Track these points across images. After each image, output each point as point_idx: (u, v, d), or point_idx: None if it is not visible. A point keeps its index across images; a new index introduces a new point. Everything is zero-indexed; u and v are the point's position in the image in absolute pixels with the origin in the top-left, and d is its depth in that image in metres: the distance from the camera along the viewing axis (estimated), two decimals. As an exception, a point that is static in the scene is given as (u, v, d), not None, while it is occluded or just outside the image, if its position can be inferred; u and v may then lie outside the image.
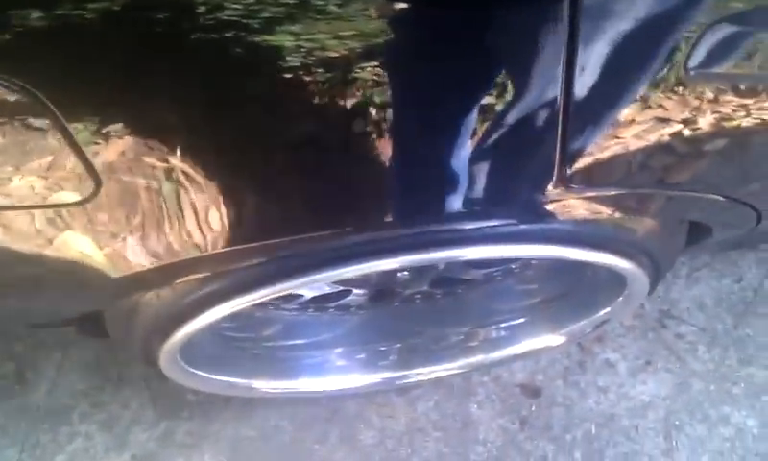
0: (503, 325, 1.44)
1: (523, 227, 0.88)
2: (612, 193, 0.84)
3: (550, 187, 0.81)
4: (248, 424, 1.57)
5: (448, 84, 0.73)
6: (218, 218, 0.79)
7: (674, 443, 1.49)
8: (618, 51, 0.71)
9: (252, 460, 1.53)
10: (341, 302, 1.41)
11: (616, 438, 1.50)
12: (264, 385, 1.38)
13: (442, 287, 1.42)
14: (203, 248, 0.81)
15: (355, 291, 1.42)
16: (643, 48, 0.72)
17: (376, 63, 0.69)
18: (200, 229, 0.80)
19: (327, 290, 1.35)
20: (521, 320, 1.42)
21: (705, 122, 0.80)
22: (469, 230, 0.85)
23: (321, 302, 1.43)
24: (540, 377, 1.58)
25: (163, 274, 0.85)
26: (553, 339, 1.39)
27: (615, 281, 1.15)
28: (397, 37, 0.68)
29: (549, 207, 0.83)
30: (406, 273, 1.29)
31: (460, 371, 1.49)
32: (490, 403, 1.56)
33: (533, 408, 1.55)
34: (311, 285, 0.96)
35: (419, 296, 1.50)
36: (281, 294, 0.91)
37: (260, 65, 0.68)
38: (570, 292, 1.35)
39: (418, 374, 1.52)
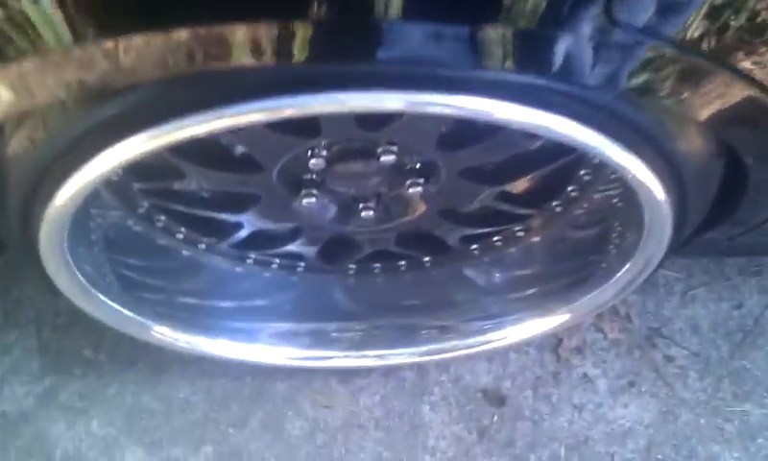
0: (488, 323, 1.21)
1: (547, 83, 0.66)
2: (667, 54, 0.64)
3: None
4: (151, 393, 1.29)
5: None
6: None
7: (654, 480, 1.27)
8: None
9: (149, 437, 1.25)
10: (287, 249, 1.17)
11: (588, 466, 1.27)
12: (168, 334, 1.11)
13: (409, 248, 1.19)
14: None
15: (302, 244, 1.17)
16: None
17: None
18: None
19: (271, 225, 1.11)
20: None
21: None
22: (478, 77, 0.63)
23: (263, 246, 1.18)
24: (507, 385, 1.34)
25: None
26: (548, 321, 1.17)
27: (628, 232, 0.95)
28: None
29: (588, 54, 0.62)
30: (371, 211, 1.05)
31: (418, 358, 1.25)
32: (445, 406, 1.31)
33: (495, 418, 1.31)
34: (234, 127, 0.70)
35: (377, 265, 1.26)
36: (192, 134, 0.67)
37: None
38: (568, 269, 1.13)
39: (366, 357, 1.27)
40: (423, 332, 1.27)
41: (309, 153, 0.94)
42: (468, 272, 1.28)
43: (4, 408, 1.25)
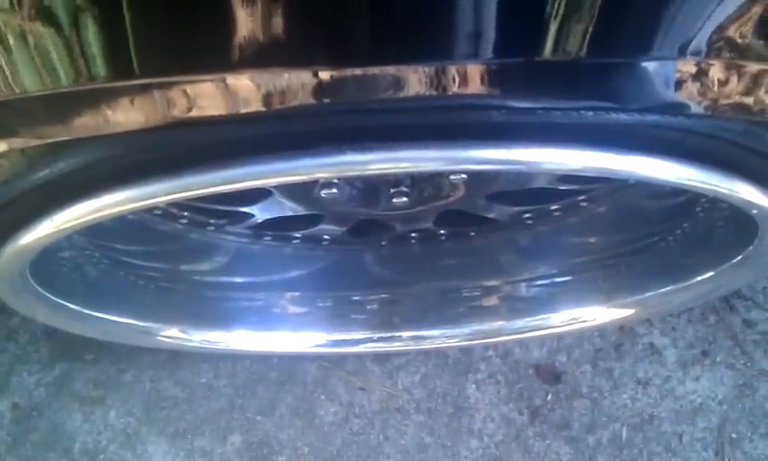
0: (538, 283, 1.04)
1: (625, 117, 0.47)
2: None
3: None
4: (171, 379, 1.18)
5: None
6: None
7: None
8: None
9: (172, 427, 1.16)
10: (310, 231, 1.00)
11: (653, 447, 1.14)
12: (172, 334, 0.98)
13: (450, 226, 1.02)
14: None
15: (326, 226, 1.01)
16: None
17: None
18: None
19: (289, 211, 0.94)
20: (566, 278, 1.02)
21: None
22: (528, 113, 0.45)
23: (282, 228, 1.02)
24: (563, 359, 1.20)
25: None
26: (612, 311, 1.00)
27: (733, 230, 0.76)
28: None
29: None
30: (404, 198, 0.87)
31: (462, 342, 1.10)
32: (493, 385, 1.18)
33: (549, 397, 1.18)
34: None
35: (415, 235, 1.09)
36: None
37: None
38: (649, 248, 0.94)
39: (403, 338, 1.13)
40: (463, 306, 1.11)
41: None
42: (519, 238, 1.10)
43: (15, 400, 1.16)
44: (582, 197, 0.97)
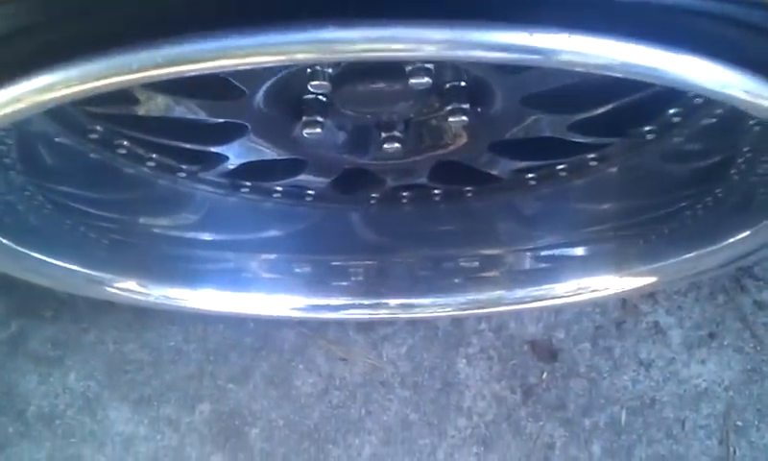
0: (543, 253, 0.95)
1: None
2: None
3: None
4: (137, 341, 1.10)
5: None
6: None
7: (731, 450, 1.07)
8: None
9: (136, 392, 1.07)
10: (292, 180, 0.91)
11: (653, 433, 1.07)
12: (128, 287, 0.88)
13: (446, 183, 0.93)
14: None
15: (309, 175, 0.92)
16: None
17: None
18: None
19: (268, 154, 0.85)
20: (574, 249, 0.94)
21: None
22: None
23: (261, 177, 0.93)
24: (561, 336, 1.12)
25: None
26: (625, 281, 0.91)
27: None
28: None
29: None
30: (396, 143, 0.78)
31: (455, 311, 1.01)
32: (485, 361, 1.10)
33: (544, 376, 1.10)
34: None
35: (407, 194, 1.00)
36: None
37: None
38: (671, 217, 0.85)
39: (389, 305, 1.04)
40: (459, 276, 1.03)
41: (308, 71, 0.66)
42: (521, 203, 1.02)
43: (-35, 358, 1.07)
44: (592, 154, 0.88)
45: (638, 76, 0.42)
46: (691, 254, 0.81)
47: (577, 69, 0.43)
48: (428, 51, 0.39)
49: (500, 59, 0.39)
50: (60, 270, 0.81)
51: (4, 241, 0.71)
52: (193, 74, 0.40)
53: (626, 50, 0.40)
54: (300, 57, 0.39)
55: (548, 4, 0.38)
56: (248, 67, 0.40)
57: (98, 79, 0.41)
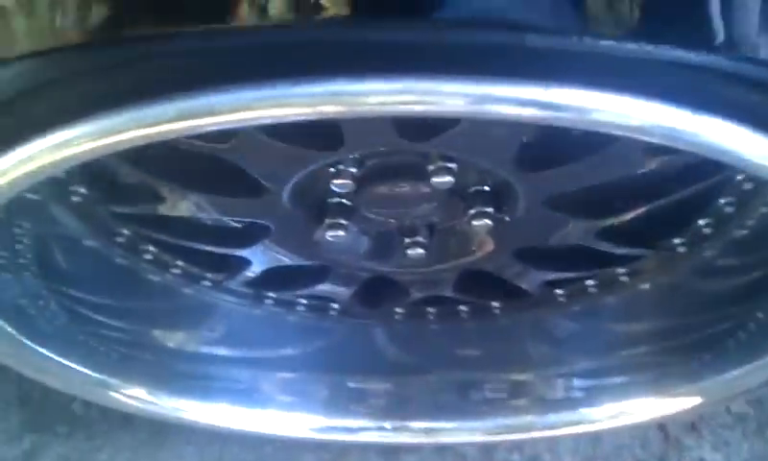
0: (576, 381, 0.91)
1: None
2: None
3: None
4: (151, 458, 1.04)
5: None
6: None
7: None
8: None
9: (144, 517, 1.01)
10: (315, 290, 0.90)
11: None
12: (137, 394, 0.86)
13: (472, 296, 0.91)
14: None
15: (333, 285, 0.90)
16: None
17: None
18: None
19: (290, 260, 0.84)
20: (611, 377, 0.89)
21: None
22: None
23: (282, 286, 0.92)
24: (598, 469, 1.04)
25: None
26: (667, 402, 0.85)
27: None
28: None
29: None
30: (420, 249, 0.77)
31: (483, 437, 0.95)
32: (516, 495, 1.02)
33: (581, 514, 1.01)
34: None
35: (432, 310, 0.98)
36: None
37: None
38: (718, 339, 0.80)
39: (412, 429, 0.99)
40: (486, 404, 0.98)
41: (332, 170, 0.67)
42: (551, 322, 0.98)
43: (-26, 474, 1.04)
44: (622, 269, 0.86)
45: (678, 143, 0.41)
46: (737, 371, 0.76)
47: (615, 132, 0.42)
48: (448, 106, 0.39)
49: (507, 116, 0.38)
50: (68, 371, 0.79)
51: (8, 329, 0.70)
52: (209, 129, 0.40)
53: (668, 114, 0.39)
54: (327, 109, 0.39)
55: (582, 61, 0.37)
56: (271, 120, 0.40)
57: (112, 134, 0.41)
